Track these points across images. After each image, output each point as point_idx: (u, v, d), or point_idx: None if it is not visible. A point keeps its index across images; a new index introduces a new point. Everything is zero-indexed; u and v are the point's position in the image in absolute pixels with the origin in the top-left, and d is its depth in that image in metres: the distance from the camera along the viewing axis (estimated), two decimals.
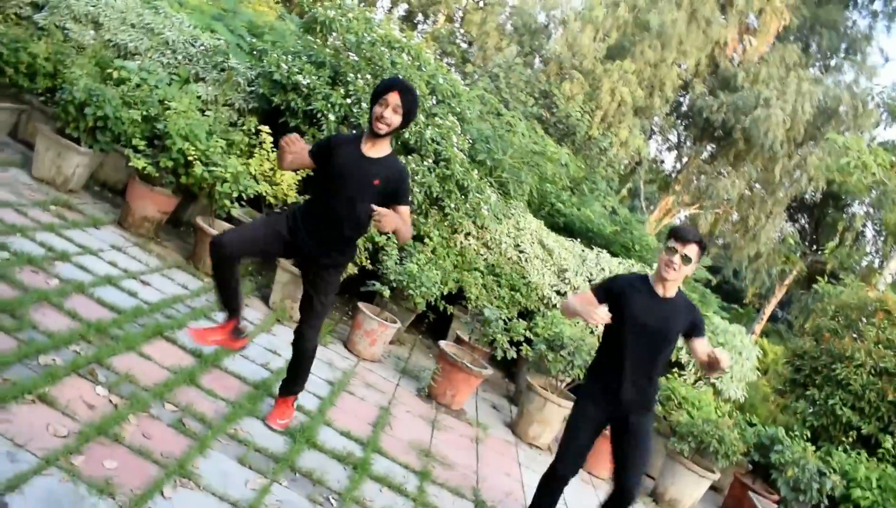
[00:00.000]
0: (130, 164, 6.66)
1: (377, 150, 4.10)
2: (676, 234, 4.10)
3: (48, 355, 3.86)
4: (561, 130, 17.40)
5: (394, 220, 3.87)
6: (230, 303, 4.25)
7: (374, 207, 3.83)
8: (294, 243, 4.18)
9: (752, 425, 8.20)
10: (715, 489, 8.24)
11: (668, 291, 4.14)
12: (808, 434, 8.70)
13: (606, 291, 4.22)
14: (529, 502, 4.48)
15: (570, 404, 6.55)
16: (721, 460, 6.89)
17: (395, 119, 4.00)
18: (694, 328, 4.22)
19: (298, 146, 4.05)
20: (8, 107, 7.07)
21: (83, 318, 4.47)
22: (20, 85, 7.27)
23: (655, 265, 4.26)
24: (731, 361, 4.11)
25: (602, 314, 3.87)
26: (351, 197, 4.04)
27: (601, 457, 6.75)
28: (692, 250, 4.04)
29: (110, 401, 3.77)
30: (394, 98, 3.96)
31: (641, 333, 4.10)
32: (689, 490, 6.92)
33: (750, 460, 7.91)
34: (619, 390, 4.16)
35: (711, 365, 4.07)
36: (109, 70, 7.57)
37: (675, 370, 8.69)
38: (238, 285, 4.23)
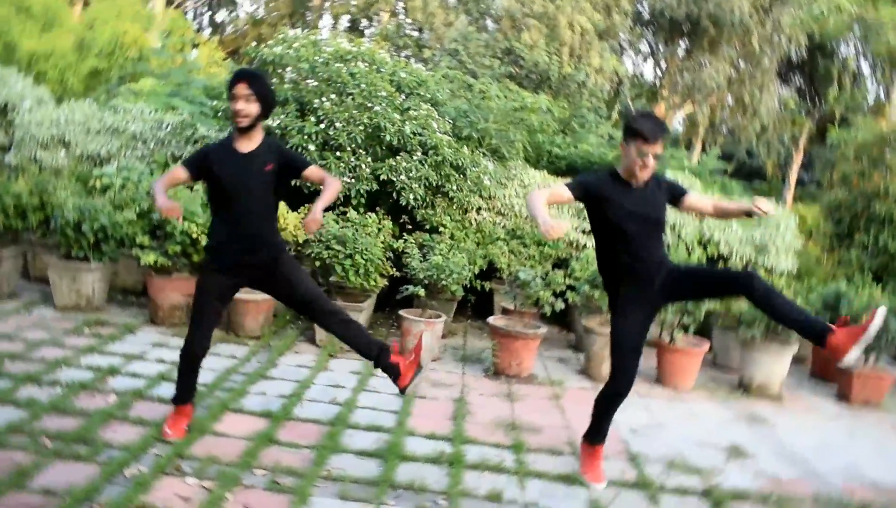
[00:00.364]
0: (142, 262, 6.77)
1: (252, 142, 4.14)
2: (642, 136, 3.93)
3: (131, 466, 3.94)
4: (534, 79, 17.33)
5: (318, 215, 3.92)
6: (194, 389, 4.52)
7: (304, 224, 3.92)
8: (232, 272, 4.24)
9: (811, 289, 8.17)
10: (799, 360, 8.23)
11: (641, 181, 4.07)
12: (870, 278, 8.66)
13: (585, 190, 4.08)
14: (610, 428, 4.48)
15: None
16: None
17: (252, 108, 4.02)
18: (673, 195, 4.19)
19: (170, 204, 4.07)
20: (12, 252, 7.20)
21: (151, 421, 4.57)
22: (15, 227, 7.39)
23: (623, 163, 4.10)
24: (769, 206, 4.01)
25: (559, 229, 3.58)
26: (250, 196, 4.10)
27: (682, 371, 6.80)
28: (660, 147, 3.98)
29: (203, 487, 3.84)
30: (241, 89, 3.99)
31: (635, 222, 4.04)
32: (772, 370, 6.93)
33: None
34: (646, 275, 4.12)
35: (748, 214, 4.08)
36: (91, 182, 7.69)
37: (720, 263, 8.69)
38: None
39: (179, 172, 4.26)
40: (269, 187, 4.16)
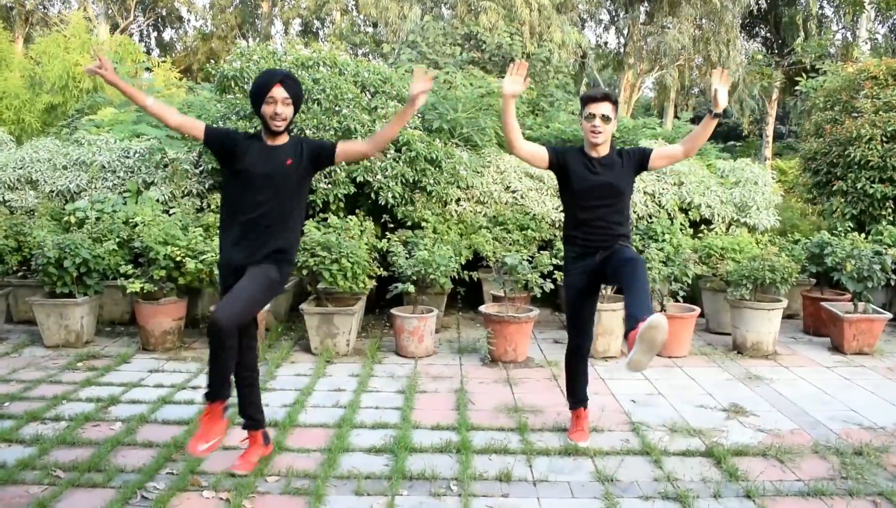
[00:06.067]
0: (128, 291, 6.76)
1: (280, 140, 4.00)
2: (587, 99, 4.38)
3: (147, 487, 3.98)
4: (498, 62, 17.33)
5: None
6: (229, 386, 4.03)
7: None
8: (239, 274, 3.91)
9: (796, 242, 8.25)
10: (791, 317, 8.32)
11: (602, 152, 4.42)
12: (852, 226, 8.73)
13: (557, 154, 4.45)
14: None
15: (621, 305, 6.63)
16: (781, 286, 6.95)
17: (288, 111, 3.90)
18: (643, 159, 4.44)
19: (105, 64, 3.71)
20: None
21: (160, 443, 4.61)
22: None
23: (584, 137, 4.44)
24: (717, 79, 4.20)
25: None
26: (273, 190, 3.92)
27: (676, 338, 6.85)
28: (606, 107, 4.32)
29: (221, 498, 3.88)
30: (279, 92, 3.86)
31: (590, 193, 4.38)
32: (764, 328, 6.99)
33: (809, 274, 7.96)
34: (592, 245, 4.40)
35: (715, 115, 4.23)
36: (65, 218, 7.66)
37: (703, 227, 8.76)
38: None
39: (199, 124, 4.01)
40: (290, 185, 3.94)
